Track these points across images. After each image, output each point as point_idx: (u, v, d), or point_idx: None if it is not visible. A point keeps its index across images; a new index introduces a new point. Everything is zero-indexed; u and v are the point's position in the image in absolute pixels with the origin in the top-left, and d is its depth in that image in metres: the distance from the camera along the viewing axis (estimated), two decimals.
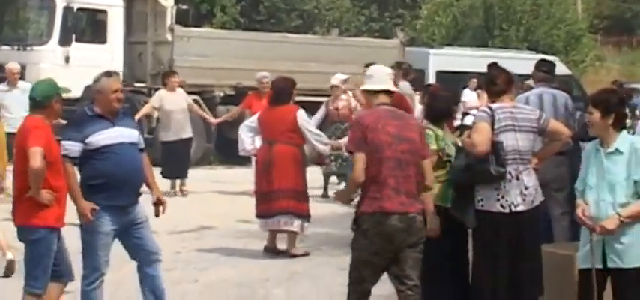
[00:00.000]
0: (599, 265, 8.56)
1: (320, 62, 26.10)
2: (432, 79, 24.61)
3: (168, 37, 26.62)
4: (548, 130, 10.14)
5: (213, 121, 22.82)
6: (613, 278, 8.54)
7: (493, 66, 10.36)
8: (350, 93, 20.17)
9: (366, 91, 9.68)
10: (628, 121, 22.28)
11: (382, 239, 9.06)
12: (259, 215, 14.87)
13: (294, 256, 14.45)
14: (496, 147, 9.65)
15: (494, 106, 9.85)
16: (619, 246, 8.46)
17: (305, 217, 14.65)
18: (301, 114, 14.69)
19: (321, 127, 18.56)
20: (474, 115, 9.78)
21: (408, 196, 9.14)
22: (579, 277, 8.75)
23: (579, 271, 8.79)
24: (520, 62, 20.94)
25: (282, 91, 15.30)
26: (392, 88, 9.67)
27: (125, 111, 9.90)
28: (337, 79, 20.70)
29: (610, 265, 8.50)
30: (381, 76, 9.71)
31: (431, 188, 9.69)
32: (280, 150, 14.66)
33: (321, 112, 20.46)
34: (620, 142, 8.54)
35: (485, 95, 10.51)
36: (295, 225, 14.62)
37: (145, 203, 9.66)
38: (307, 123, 14.70)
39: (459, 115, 17.30)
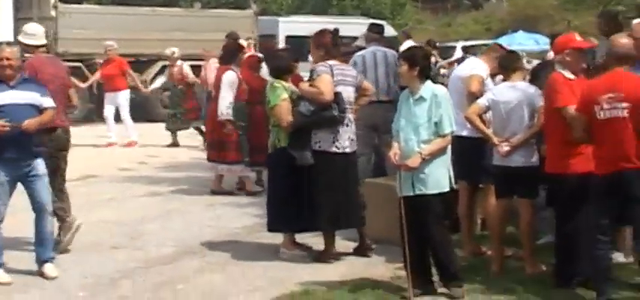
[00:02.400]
0: (409, 193, 8.70)
1: (185, 31, 25.97)
2: (282, 43, 24.51)
3: (53, 13, 26.02)
4: (362, 86, 10.71)
5: (82, 85, 22.40)
6: (419, 202, 8.69)
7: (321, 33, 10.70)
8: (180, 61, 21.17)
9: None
10: (445, 71, 22.68)
11: None
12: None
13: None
14: (338, 96, 9.97)
15: (330, 62, 10.06)
16: (423, 176, 8.65)
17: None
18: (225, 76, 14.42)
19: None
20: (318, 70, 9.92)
21: None
22: (399, 203, 8.84)
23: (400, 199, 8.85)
24: (354, 26, 21.08)
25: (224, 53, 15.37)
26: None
27: (29, 77, 9.65)
28: (170, 51, 21.32)
29: (417, 192, 8.66)
30: (40, 34, 10.91)
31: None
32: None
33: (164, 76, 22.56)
34: (424, 90, 8.74)
35: None
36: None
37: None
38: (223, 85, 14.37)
39: None
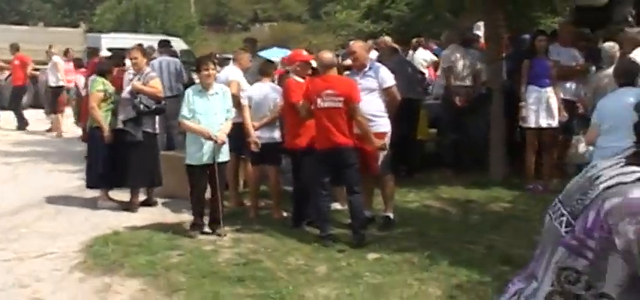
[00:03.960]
0: (210, 161, 8.72)
1: (29, 43, 24.95)
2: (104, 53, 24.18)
3: None
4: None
5: None
6: (213, 167, 8.72)
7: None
8: None
9: None
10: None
11: None
12: None
13: None
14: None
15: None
16: (223, 147, 8.76)
17: None
18: None
19: None
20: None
21: None
22: (190, 170, 8.88)
23: (188, 166, 8.88)
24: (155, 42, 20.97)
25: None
26: None
27: None
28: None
29: (218, 161, 8.74)
30: None
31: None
32: None
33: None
34: (217, 88, 8.85)
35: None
36: None
37: None
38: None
39: None
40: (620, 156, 2.14)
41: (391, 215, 9.03)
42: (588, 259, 2.01)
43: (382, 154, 8.75)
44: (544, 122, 10.47)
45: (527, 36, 12.53)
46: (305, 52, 9.86)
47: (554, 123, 10.49)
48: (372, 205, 9.23)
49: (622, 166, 2.08)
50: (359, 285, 6.83)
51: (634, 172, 2.04)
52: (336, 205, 9.38)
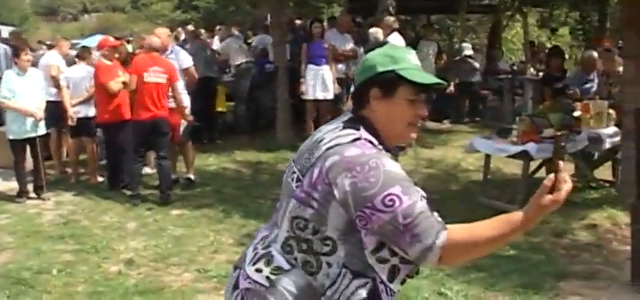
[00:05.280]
0: (31, 135, 8.20)
1: None
2: None
3: None
4: None
5: None
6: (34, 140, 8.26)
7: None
8: None
9: None
10: None
11: None
12: None
13: None
14: None
15: None
16: (40, 122, 8.24)
17: None
18: None
19: None
20: None
21: None
22: (13, 144, 8.31)
23: (11, 141, 8.33)
24: None
25: None
26: None
27: None
28: None
29: (38, 134, 8.26)
30: None
31: None
32: None
33: None
34: (32, 71, 8.34)
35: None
36: None
37: None
38: None
39: None
40: (340, 121, 2.18)
41: (192, 177, 8.86)
42: (314, 209, 2.05)
43: (183, 125, 8.60)
44: (320, 95, 10.62)
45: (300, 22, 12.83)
46: (112, 39, 9.47)
47: (330, 95, 10.68)
48: (176, 168, 9.05)
49: (340, 130, 2.12)
50: (163, 237, 6.73)
51: (350, 134, 2.09)
52: (147, 169, 9.13)
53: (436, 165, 9.86)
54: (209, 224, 7.12)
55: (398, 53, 2.16)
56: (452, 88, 12.71)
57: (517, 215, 2.00)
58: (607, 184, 8.38)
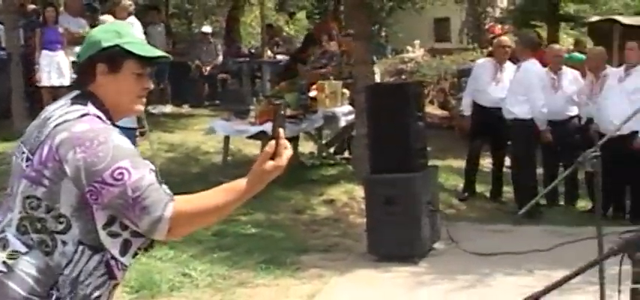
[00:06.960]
0: None
1: None
2: None
3: None
4: None
5: None
6: None
7: None
8: None
9: None
10: None
11: None
12: None
13: None
14: None
15: None
16: None
17: None
18: None
19: None
20: None
21: None
22: None
23: None
24: None
25: None
26: None
27: None
28: None
29: None
30: None
31: None
32: None
33: None
34: None
35: None
36: None
37: None
38: None
39: None
40: (67, 98, 2.22)
41: None
42: (45, 187, 2.08)
43: None
44: (56, 81, 10.28)
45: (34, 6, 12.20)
46: None
47: (66, 81, 10.28)
48: None
49: (68, 106, 2.16)
50: None
51: (77, 110, 2.14)
52: None
53: (177, 149, 9.78)
54: None
55: (123, 29, 2.23)
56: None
57: (241, 182, 2.12)
58: (344, 161, 8.81)
